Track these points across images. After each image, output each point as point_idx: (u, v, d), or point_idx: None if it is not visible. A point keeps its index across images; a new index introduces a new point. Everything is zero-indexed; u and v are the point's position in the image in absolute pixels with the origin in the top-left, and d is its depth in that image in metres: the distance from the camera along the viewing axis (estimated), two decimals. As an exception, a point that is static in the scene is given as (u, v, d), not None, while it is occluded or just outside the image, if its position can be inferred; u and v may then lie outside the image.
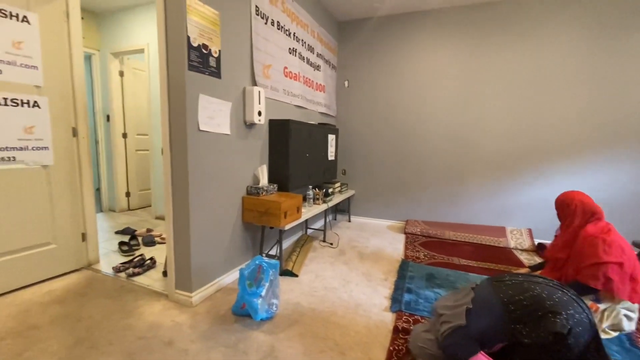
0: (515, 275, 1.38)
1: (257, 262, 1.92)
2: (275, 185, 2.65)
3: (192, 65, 1.88)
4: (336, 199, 3.58)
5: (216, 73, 2.08)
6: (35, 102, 2.12)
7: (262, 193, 2.46)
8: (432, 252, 3.16)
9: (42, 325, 1.75)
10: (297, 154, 2.85)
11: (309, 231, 3.69)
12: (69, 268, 2.40)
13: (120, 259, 2.70)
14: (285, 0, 2.84)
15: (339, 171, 4.42)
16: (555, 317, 1.12)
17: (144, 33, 3.76)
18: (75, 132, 2.38)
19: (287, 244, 3.21)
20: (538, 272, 2.15)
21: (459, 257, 3.04)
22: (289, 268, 2.55)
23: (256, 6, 2.43)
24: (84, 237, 2.49)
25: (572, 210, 1.94)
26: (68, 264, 2.40)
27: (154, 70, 3.71)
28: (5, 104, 1.97)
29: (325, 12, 3.81)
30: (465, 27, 3.62)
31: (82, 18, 2.42)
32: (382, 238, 3.60)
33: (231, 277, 2.37)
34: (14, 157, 2.04)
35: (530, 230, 3.48)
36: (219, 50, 2.09)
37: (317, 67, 3.65)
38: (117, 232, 3.39)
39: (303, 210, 2.80)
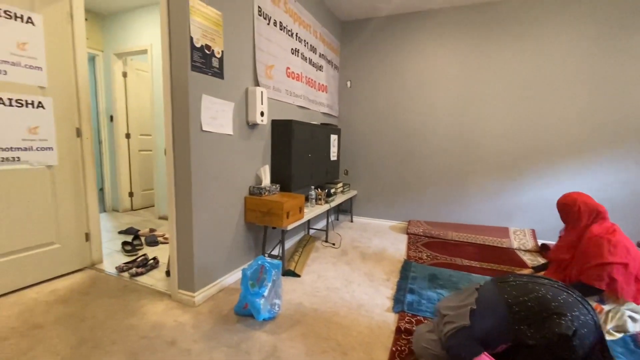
0: (520, 276, 1.38)
1: (259, 262, 1.92)
2: (277, 185, 2.65)
3: (195, 66, 1.89)
4: (338, 199, 3.58)
5: (219, 73, 2.08)
6: (40, 102, 2.13)
7: (264, 193, 2.46)
8: (434, 252, 3.15)
9: (46, 324, 1.76)
10: (299, 154, 2.85)
11: (311, 231, 3.69)
12: (72, 268, 2.41)
13: (124, 258, 2.72)
14: (287, 0, 2.85)
15: (341, 171, 4.42)
16: (561, 318, 1.11)
17: (147, 34, 3.78)
18: (79, 133, 2.39)
19: (289, 244, 3.21)
20: (542, 273, 2.14)
21: (462, 257, 3.03)
22: (292, 268, 2.55)
23: (259, 7, 2.43)
24: (87, 237, 2.50)
25: (576, 212, 1.92)
26: (72, 264, 2.41)
27: (157, 71, 3.73)
28: (10, 105, 1.99)
29: (328, 12, 3.81)
30: (467, 27, 3.61)
31: (86, 19, 2.44)
32: (384, 238, 3.60)
33: (233, 277, 2.37)
34: (18, 158, 2.05)
35: (533, 231, 3.47)
36: (222, 51, 2.09)
37: (320, 68, 3.65)
38: (120, 232, 3.41)
39: (305, 210, 2.81)
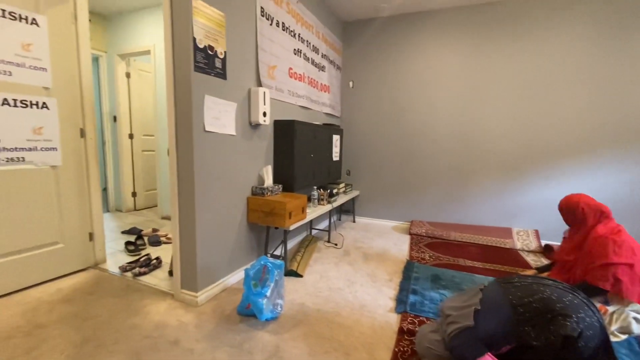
0: (524, 277, 1.37)
1: (262, 262, 1.92)
2: (280, 185, 2.65)
3: (198, 67, 1.89)
4: (341, 200, 3.58)
5: (222, 74, 2.09)
6: (44, 103, 2.15)
7: (267, 193, 2.46)
8: (437, 253, 3.14)
9: (50, 323, 1.77)
10: (301, 155, 2.85)
11: (314, 232, 3.69)
12: (76, 267, 2.43)
13: (127, 258, 2.73)
14: (290, 1, 2.85)
15: (343, 172, 4.41)
16: (566, 320, 1.11)
17: (150, 35, 3.80)
18: (83, 133, 2.40)
19: (291, 244, 3.21)
20: (546, 274, 2.13)
21: (465, 258, 3.02)
22: (294, 268, 2.55)
23: (261, 7, 2.44)
24: (91, 236, 2.51)
25: (581, 214, 1.90)
26: (75, 263, 2.42)
27: (160, 71, 3.75)
28: (15, 105, 2.00)
29: (330, 12, 3.82)
30: (468, 27, 3.60)
31: (90, 20, 2.45)
32: (386, 239, 3.59)
33: (236, 277, 2.38)
34: (23, 158, 2.07)
35: (537, 232, 3.45)
36: (225, 52, 2.10)
37: (322, 68, 3.65)
38: (123, 232, 3.42)
39: (308, 210, 2.81)
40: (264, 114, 2.42)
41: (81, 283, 2.27)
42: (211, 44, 1.98)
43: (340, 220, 4.34)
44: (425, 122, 3.92)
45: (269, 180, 2.57)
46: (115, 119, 4.25)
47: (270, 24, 2.58)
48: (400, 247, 3.30)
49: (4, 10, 1.91)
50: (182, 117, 1.93)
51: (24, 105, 2.05)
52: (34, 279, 2.18)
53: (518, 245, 3.34)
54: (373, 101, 4.16)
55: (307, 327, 1.82)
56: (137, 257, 2.68)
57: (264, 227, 2.67)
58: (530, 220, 3.56)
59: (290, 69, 2.94)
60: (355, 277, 2.53)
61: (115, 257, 2.74)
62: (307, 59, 3.25)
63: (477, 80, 3.63)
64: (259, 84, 2.50)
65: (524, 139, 3.51)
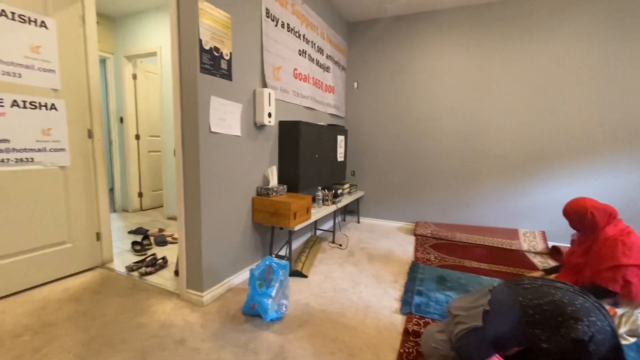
0: (534, 279, 1.36)
1: (267, 262, 1.93)
2: (285, 186, 2.66)
3: (204, 68, 1.91)
4: (345, 200, 3.58)
5: (227, 75, 2.10)
6: (53, 104, 2.18)
7: (272, 194, 2.47)
8: (442, 254, 3.13)
9: (58, 322, 1.79)
10: (306, 155, 2.86)
11: (318, 232, 3.69)
12: (83, 267, 2.45)
13: (133, 258, 2.75)
14: (295, 2, 2.86)
15: (348, 172, 4.41)
16: (577, 323, 1.09)
17: (157, 36, 3.83)
18: (90, 134, 2.43)
19: (296, 244, 3.22)
20: (553, 276, 2.10)
21: (471, 259, 3.00)
22: (299, 269, 2.56)
23: (267, 9, 2.45)
24: (98, 236, 2.54)
25: (590, 219, 1.85)
26: (83, 263, 2.45)
27: (166, 73, 3.78)
28: (24, 107, 2.03)
29: (335, 13, 3.82)
30: (475, 27, 3.58)
31: (97, 23, 2.48)
32: (391, 239, 3.58)
33: (241, 277, 2.39)
34: (32, 158, 2.10)
35: (543, 233, 3.41)
36: (230, 53, 2.11)
37: (327, 69, 3.65)
38: (130, 232, 3.46)
39: (312, 211, 2.81)
40: (269, 115, 2.43)
41: (88, 282, 2.29)
42: (217, 46, 1.99)
43: (344, 220, 4.34)
44: (430, 123, 3.90)
45: (273, 181, 2.57)
46: (122, 120, 4.30)
47: (275, 25, 2.59)
48: (405, 248, 3.29)
49: (13, 13, 1.95)
50: (188, 118, 1.94)
51: (33, 107, 2.08)
52: (42, 278, 2.21)
53: (524, 246, 3.31)
54: (378, 102, 4.15)
55: (312, 328, 1.82)
56: (143, 257, 2.70)
57: (268, 228, 2.67)
58: (536, 221, 3.53)
59: (295, 69, 2.95)
60: (360, 278, 2.53)
61: (122, 257, 2.76)
62: (311, 59, 3.26)
63: (482, 81, 3.61)
64: (264, 85, 2.51)
65: (529, 139, 3.48)
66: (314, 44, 3.29)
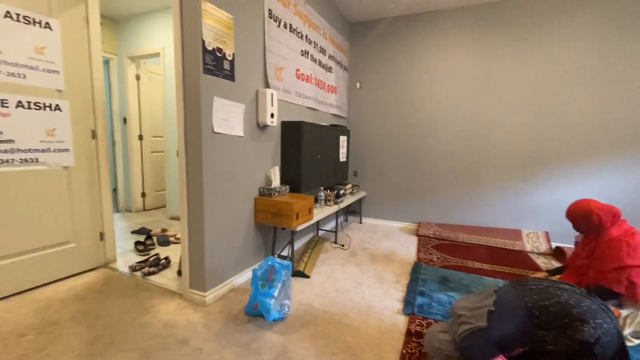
0: (540, 280, 1.35)
1: (269, 262, 1.93)
2: (287, 186, 2.66)
3: (206, 69, 1.91)
4: (347, 201, 3.58)
5: (230, 76, 2.11)
6: (57, 105, 2.19)
7: (274, 194, 2.47)
8: (445, 254, 3.12)
9: (62, 321, 1.80)
10: (309, 156, 2.86)
11: (320, 232, 3.69)
12: (87, 266, 2.47)
13: (136, 258, 2.76)
14: (297, 2, 2.86)
15: (350, 172, 4.41)
16: (583, 325, 1.09)
17: (160, 37, 3.85)
18: (94, 135, 2.45)
19: (298, 245, 3.22)
20: (557, 277, 2.09)
21: (473, 260, 2.99)
22: (301, 269, 2.56)
23: (269, 9, 2.45)
24: (101, 236, 2.55)
25: (597, 221, 1.82)
26: (87, 263, 2.46)
27: (169, 73, 3.79)
28: (29, 107, 2.05)
29: (337, 13, 3.82)
30: (477, 27, 3.57)
31: (101, 24, 2.49)
32: (394, 240, 3.57)
33: (243, 277, 2.39)
34: (36, 159, 2.11)
35: (547, 233, 3.40)
36: (233, 54, 2.12)
37: (329, 69, 3.65)
38: (133, 232, 3.47)
39: (315, 211, 2.81)
40: (272, 115, 2.43)
41: (92, 282, 2.30)
42: (220, 46, 1.99)
43: (347, 221, 4.33)
44: (433, 123, 3.89)
45: (276, 181, 2.58)
46: (125, 120, 4.32)
47: (278, 26, 2.60)
48: (407, 249, 3.28)
49: (18, 15, 1.96)
50: (191, 119, 1.95)
51: (38, 108, 2.09)
52: (46, 278, 2.22)
53: (528, 247, 3.29)
54: (380, 102, 4.15)
55: (314, 328, 1.82)
56: (146, 257, 2.71)
57: (271, 228, 2.68)
58: (540, 222, 3.51)
59: (298, 70, 2.95)
60: (362, 279, 2.52)
61: (125, 257, 2.78)
62: (314, 60, 3.26)
63: (484, 80, 3.60)
64: (267, 86, 2.51)
65: (532, 139, 3.46)
66: (316, 44, 3.30)
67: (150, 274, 2.43)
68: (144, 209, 4.54)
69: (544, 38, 3.32)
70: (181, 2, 1.88)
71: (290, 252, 2.59)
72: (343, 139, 3.75)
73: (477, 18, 3.57)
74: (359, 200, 4.21)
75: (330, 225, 3.96)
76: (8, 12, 1.92)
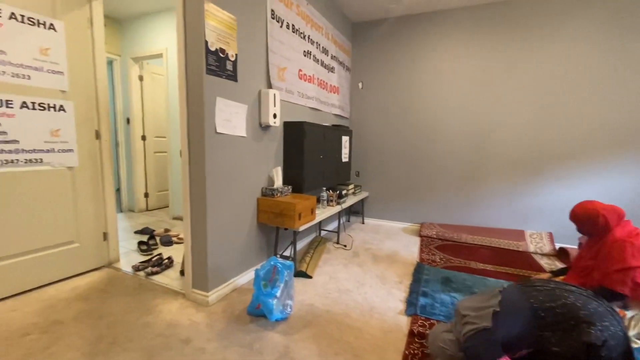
0: (547, 282, 1.34)
1: (272, 262, 1.93)
2: (289, 186, 2.67)
3: (209, 69, 1.92)
4: (350, 201, 3.57)
5: (233, 76, 2.11)
6: (61, 106, 2.21)
7: (276, 194, 2.48)
8: (448, 255, 3.11)
9: (66, 320, 1.81)
10: (311, 156, 2.86)
11: (323, 233, 3.69)
12: (91, 266, 2.48)
13: (139, 258, 2.78)
14: (300, 3, 2.87)
15: (352, 173, 4.40)
16: (590, 327, 1.08)
17: (163, 38, 3.86)
18: (98, 135, 2.46)
19: (300, 245, 3.22)
20: (561, 278, 2.08)
21: (476, 260, 2.98)
22: (303, 269, 2.56)
23: (272, 10, 2.46)
24: (105, 236, 2.57)
25: (603, 223, 1.80)
26: (90, 262, 2.48)
27: (172, 74, 3.80)
28: (34, 108, 2.06)
29: (340, 14, 3.82)
30: (480, 27, 3.56)
31: (105, 25, 2.50)
32: (396, 240, 3.57)
33: (246, 277, 2.39)
34: (41, 159, 2.12)
35: (550, 234, 3.38)
36: (236, 54, 2.12)
37: (331, 69, 3.66)
38: (136, 232, 3.49)
39: (317, 211, 2.81)
40: (274, 116, 2.44)
41: (95, 282, 2.32)
42: (222, 47, 2.00)
43: (349, 221, 4.33)
44: (436, 123, 3.88)
45: (278, 182, 2.58)
46: (128, 121, 4.34)
47: (281, 26, 2.60)
48: (410, 249, 3.28)
49: (23, 16, 1.98)
50: (194, 119, 1.96)
51: (42, 108, 2.11)
52: (50, 277, 2.23)
53: (531, 248, 3.27)
54: (382, 102, 4.14)
55: (316, 328, 1.82)
56: (149, 257, 2.72)
57: (273, 228, 2.68)
58: (543, 223, 3.49)
59: (300, 70, 2.95)
60: (365, 279, 2.52)
61: (128, 257, 2.79)
62: (316, 60, 3.26)
63: (487, 81, 3.59)
64: (269, 86, 2.52)
65: (536, 140, 3.45)
66: (319, 44, 3.30)
67: (153, 273, 2.44)
68: (147, 209, 4.56)
69: (549, 38, 3.30)
70: (184, 3, 1.88)
71: (292, 252, 2.59)
72: (345, 139, 3.74)
73: (479, 18, 3.56)
74: (362, 201, 4.21)
75: (333, 226, 3.96)
76: (13, 13, 1.93)
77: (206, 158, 1.96)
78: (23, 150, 2.03)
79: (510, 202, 3.62)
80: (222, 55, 2.00)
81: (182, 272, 2.39)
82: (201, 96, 1.91)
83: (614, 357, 1.08)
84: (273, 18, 2.48)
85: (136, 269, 2.50)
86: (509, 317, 1.24)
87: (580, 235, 2.07)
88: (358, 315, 1.99)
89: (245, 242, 2.38)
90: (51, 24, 2.12)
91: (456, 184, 3.86)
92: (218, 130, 2.02)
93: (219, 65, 1.99)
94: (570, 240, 3.24)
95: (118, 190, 4.51)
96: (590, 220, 1.85)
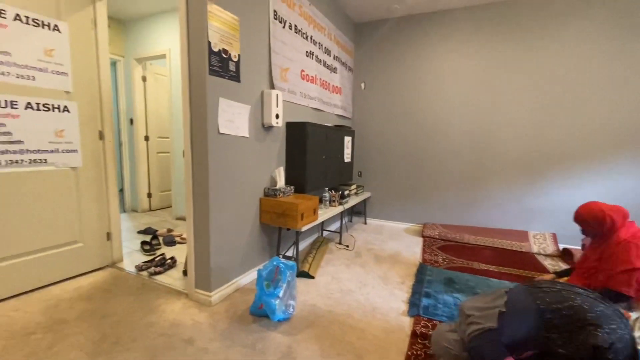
0: (553, 283, 1.33)
1: (274, 263, 1.94)
2: (292, 187, 2.67)
3: (212, 70, 1.92)
4: (352, 201, 3.57)
5: (235, 77, 2.12)
6: (65, 106, 2.22)
7: (279, 195, 2.48)
8: (450, 256, 3.10)
9: (70, 320, 1.82)
10: (313, 156, 2.86)
11: (325, 233, 3.69)
12: (94, 266, 2.49)
13: (143, 258, 2.79)
14: (302, 4, 2.87)
15: (355, 173, 4.40)
16: (597, 330, 1.07)
17: (166, 39, 3.88)
18: (101, 136, 2.47)
19: (303, 245, 3.22)
20: (564, 279, 2.07)
21: (479, 261, 2.97)
22: (306, 270, 2.56)
23: (274, 11, 2.46)
24: (108, 236, 2.58)
25: (610, 224, 1.78)
26: (94, 262, 2.49)
27: (175, 75, 3.82)
28: (38, 109, 2.08)
29: (342, 14, 3.82)
30: (483, 27, 3.55)
31: (108, 26, 2.52)
32: (399, 241, 3.56)
33: (248, 277, 2.40)
34: (45, 160, 2.14)
35: (554, 235, 3.36)
36: (239, 55, 2.13)
37: (334, 70, 3.66)
38: (139, 232, 3.50)
39: (319, 212, 2.81)
40: (277, 116, 2.44)
41: (99, 281, 2.33)
42: (225, 48, 2.01)
43: (351, 221, 4.33)
44: (438, 123, 3.87)
45: (281, 182, 2.58)
46: (131, 121, 4.36)
47: (283, 27, 2.60)
48: (412, 250, 3.27)
49: (27, 17, 1.99)
50: (197, 120, 1.96)
51: (47, 109, 2.12)
52: (54, 277, 2.25)
53: (534, 248, 3.26)
54: (385, 102, 4.14)
55: (319, 329, 1.82)
56: (152, 257, 2.73)
57: (276, 228, 2.68)
58: (547, 223, 3.47)
59: (303, 71, 2.96)
60: (367, 279, 2.52)
61: (132, 257, 2.80)
62: (319, 61, 3.26)
63: (490, 81, 3.58)
64: (272, 87, 2.52)
65: (539, 140, 3.43)
66: (321, 45, 3.30)
67: (156, 273, 2.45)
68: (150, 209, 4.58)
69: (554, 37, 3.29)
70: (187, 4, 1.89)
71: (295, 252, 2.59)
72: (348, 139, 3.74)
73: (482, 18, 3.54)
74: (364, 201, 4.21)
75: (335, 226, 3.95)
76: (18, 15, 1.95)
77: (209, 158, 1.96)
78: (28, 151, 2.05)
79: (513, 202, 3.60)
80: (225, 56, 2.00)
81: (184, 272, 2.40)
82: (204, 97, 1.91)
83: None
84: (276, 19, 2.49)
85: (139, 268, 2.51)
86: (515, 318, 1.23)
87: (583, 237, 2.05)
88: (360, 315, 1.98)
89: (247, 242, 2.38)
90: (55, 25, 2.13)
91: (458, 184, 3.84)
92: (221, 131, 2.02)
93: (222, 65, 1.99)
94: (574, 241, 3.21)
95: (121, 190, 4.53)
96: (596, 221, 1.82)
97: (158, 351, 1.58)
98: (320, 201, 3.09)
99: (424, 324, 1.87)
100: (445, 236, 3.62)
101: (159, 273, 2.47)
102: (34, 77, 2.04)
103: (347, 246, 3.31)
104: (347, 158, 3.76)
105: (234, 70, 2.10)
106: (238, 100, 2.16)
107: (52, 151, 2.17)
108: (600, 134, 3.20)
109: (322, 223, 3.58)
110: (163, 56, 3.95)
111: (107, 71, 2.48)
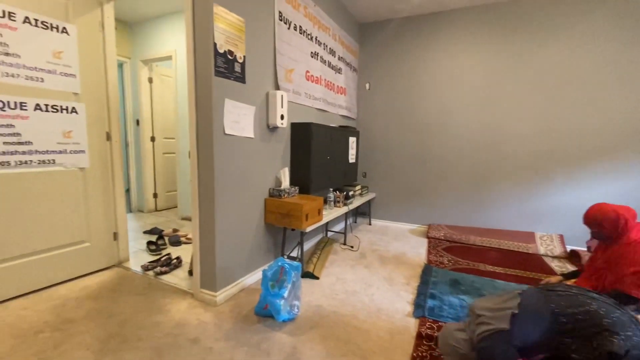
0: (568, 287, 1.31)
1: (279, 263, 1.94)
2: (296, 187, 2.67)
3: (218, 71, 1.93)
4: (357, 202, 3.56)
5: (241, 78, 2.13)
6: (73, 108, 2.25)
7: (284, 195, 2.48)
8: (456, 257, 3.08)
9: (77, 319, 1.84)
10: (318, 157, 2.86)
11: (330, 234, 3.69)
12: (101, 265, 2.52)
13: (149, 257, 2.81)
14: (307, 5, 2.87)
15: (359, 174, 4.39)
16: (613, 336, 1.06)
17: (172, 40, 3.91)
18: (109, 136, 2.50)
19: (307, 246, 3.22)
20: (572, 281, 2.04)
21: (485, 263, 2.94)
22: (310, 270, 2.56)
23: (280, 12, 2.47)
24: (115, 236, 2.60)
25: (624, 225, 1.74)
26: (101, 262, 2.51)
27: (181, 76, 3.85)
28: (47, 110, 2.11)
29: (347, 14, 3.82)
30: (488, 27, 3.53)
31: (115, 28, 2.54)
32: (403, 242, 3.54)
33: (253, 277, 2.40)
34: (53, 160, 2.17)
35: (561, 236, 3.32)
36: (244, 56, 2.14)
37: (339, 70, 3.66)
38: (145, 232, 3.53)
39: (324, 212, 2.81)
40: (282, 117, 2.45)
41: (106, 281, 2.35)
42: (231, 49, 2.02)
43: (356, 222, 4.32)
44: (443, 124, 3.85)
45: (285, 182, 2.59)
46: (138, 122, 4.40)
47: (288, 28, 2.61)
48: (417, 251, 3.25)
49: (37, 20, 2.02)
50: (202, 121, 1.98)
51: (55, 110, 2.15)
52: (61, 276, 2.27)
53: (541, 250, 3.22)
54: (390, 103, 4.13)
55: (324, 330, 1.82)
56: (158, 257, 2.75)
57: (280, 229, 2.69)
58: (554, 225, 3.43)
59: (307, 72, 2.96)
60: (372, 280, 2.51)
61: (138, 256, 2.82)
62: (323, 61, 3.27)
63: (497, 81, 3.55)
64: (277, 87, 2.53)
65: (546, 141, 3.39)
66: (326, 46, 3.30)
67: (162, 273, 2.46)
68: (156, 210, 4.61)
69: (560, 36, 3.25)
70: (193, 5, 1.91)
71: (299, 253, 2.59)
72: (352, 140, 3.74)
73: (489, 18, 3.52)
74: (369, 202, 4.20)
75: (340, 227, 3.95)
76: (27, 17, 1.98)
77: (215, 159, 1.97)
78: (36, 152, 2.08)
79: (519, 203, 3.57)
80: (230, 57, 2.01)
81: (190, 272, 2.41)
82: (210, 98, 1.92)
83: None
84: (281, 20, 2.50)
85: (145, 268, 2.53)
86: (528, 321, 1.22)
87: (588, 239, 2.02)
88: (365, 316, 1.98)
89: (252, 243, 2.39)
90: (64, 28, 2.16)
91: (464, 185, 3.82)
92: (226, 132, 2.03)
93: (228, 67, 2.00)
94: (582, 242, 3.18)
95: (127, 190, 4.57)
96: (610, 222, 1.77)
97: (164, 350, 1.59)
98: (325, 202, 3.09)
99: (430, 326, 1.86)
100: (450, 237, 3.60)
101: (165, 273, 2.48)
102: (42, 78, 2.07)
103: (352, 247, 3.31)
104: (351, 159, 3.76)
105: (240, 71, 2.11)
106: (243, 101, 2.17)
107: (60, 152, 2.20)
108: (608, 134, 3.16)
109: (327, 224, 3.58)
110: (169, 58, 3.99)
111: (114, 73, 2.51)
